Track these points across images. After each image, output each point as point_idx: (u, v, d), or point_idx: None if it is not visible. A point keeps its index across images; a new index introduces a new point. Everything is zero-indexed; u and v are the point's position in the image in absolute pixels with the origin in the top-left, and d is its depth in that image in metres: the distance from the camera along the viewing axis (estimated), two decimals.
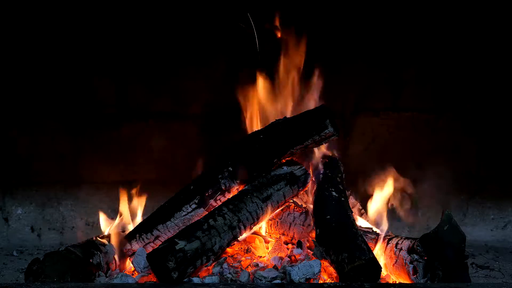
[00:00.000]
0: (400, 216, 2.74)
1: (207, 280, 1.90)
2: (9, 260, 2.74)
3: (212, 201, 2.23)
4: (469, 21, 3.03)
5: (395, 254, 2.03)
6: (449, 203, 3.12)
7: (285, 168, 2.24)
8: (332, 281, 1.94)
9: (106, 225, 2.35)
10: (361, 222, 2.36)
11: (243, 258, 2.12)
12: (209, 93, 3.03)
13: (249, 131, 2.43)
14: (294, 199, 2.33)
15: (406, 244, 2.00)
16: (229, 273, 1.97)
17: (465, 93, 3.11)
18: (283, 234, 2.30)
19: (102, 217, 2.37)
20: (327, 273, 1.99)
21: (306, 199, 2.38)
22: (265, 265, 2.07)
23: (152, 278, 1.98)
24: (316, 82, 2.46)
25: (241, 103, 2.50)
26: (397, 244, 2.05)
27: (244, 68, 2.65)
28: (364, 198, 2.46)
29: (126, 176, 3.11)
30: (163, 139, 3.10)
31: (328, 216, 2.07)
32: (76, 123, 3.09)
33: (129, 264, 2.21)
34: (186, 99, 3.08)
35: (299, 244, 2.21)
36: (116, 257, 2.16)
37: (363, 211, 2.44)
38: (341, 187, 2.28)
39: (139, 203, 2.42)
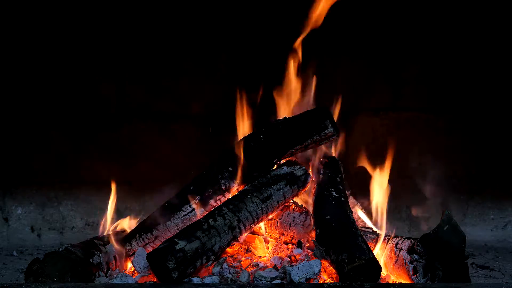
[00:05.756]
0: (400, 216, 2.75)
1: (207, 280, 1.90)
2: (9, 260, 2.74)
3: (212, 201, 2.23)
4: (469, 22, 3.03)
5: (395, 254, 2.03)
6: (449, 203, 3.12)
7: (285, 168, 2.24)
8: (332, 281, 1.94)
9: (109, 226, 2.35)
10: (361, 222, 2.36)
11: (243, 258, 2.12)
12: (209, 93, 3.03)
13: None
14: (294, 199, 2.33)
15: (406, 244, 2.00)
16: (229, 273, 1.97)
17: (465, 93, 3.11)
18: (283, 234, 2.30)
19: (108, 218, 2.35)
20: (327, 273, 1.99)
21: (306, 199, 2.38)
22: (265, 265, 2.07)
23: (152, 278, 1.98)
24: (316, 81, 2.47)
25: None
26: (397, 244, 2.05)
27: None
28: (364, 198, 2.46)
29: (126, 176, 3.11)
30: (163, 139, 3.10)
31: (328, 216, 2.07)
32: (76, 123, 3.09)
33: (129, 264, 2.21)
34: (186, 99, 3.08)
35: (299, 244, 2.21)
36: (116, 257, 2.16)
37: (363, 211, 2.44)
38: (341, 187, 2.28)
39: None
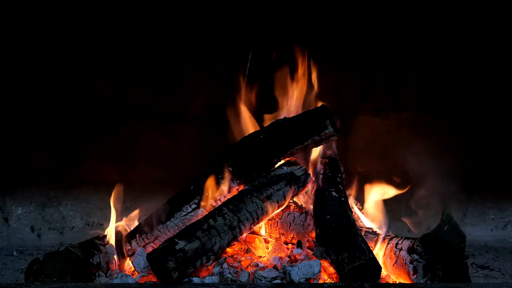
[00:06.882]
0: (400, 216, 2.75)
1: (207, 280, 1.90)
2: (9, 260, 2.74)
3: (212, 201, 2.23)
4: (469, 22, 3.03)
5: (395, 254, 2.02)
6: (449, 203, 3.12)
7: (285, 168, 2.24)
8: (332, 281, 1.94)
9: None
10: (361, 222, 2.36)
11: (243, 258, 2.12)
12: (209, 93, 3.03)
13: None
14: (294, 199, 2.33)
15: (406, 244, 2.00)
16: (229, 273, 1.97)
17: (465, 93, 3.11)
18: (283, 234, 2.30)
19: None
20: (327, 273, 1.99)
21: (306, 199, 2.38)
22: (265, 265, 2.07)
23: (152, 278, 1.98)
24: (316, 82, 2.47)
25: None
26: (397, 244, 2.05)
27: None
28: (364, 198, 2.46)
29: (126, 176, 3.11)
30: (163, 139, 3.10)
31: (328, 216, 2.07)
32: (76, 123, 3.09)
33: (129, 264, 2.21)
34: (186, 99, 3.08)
35: (299, 244, 2.21)
36: (116, 257, 2.16)
37: (363, 211, 2.44)
38: (341, 187, 2.28)
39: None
